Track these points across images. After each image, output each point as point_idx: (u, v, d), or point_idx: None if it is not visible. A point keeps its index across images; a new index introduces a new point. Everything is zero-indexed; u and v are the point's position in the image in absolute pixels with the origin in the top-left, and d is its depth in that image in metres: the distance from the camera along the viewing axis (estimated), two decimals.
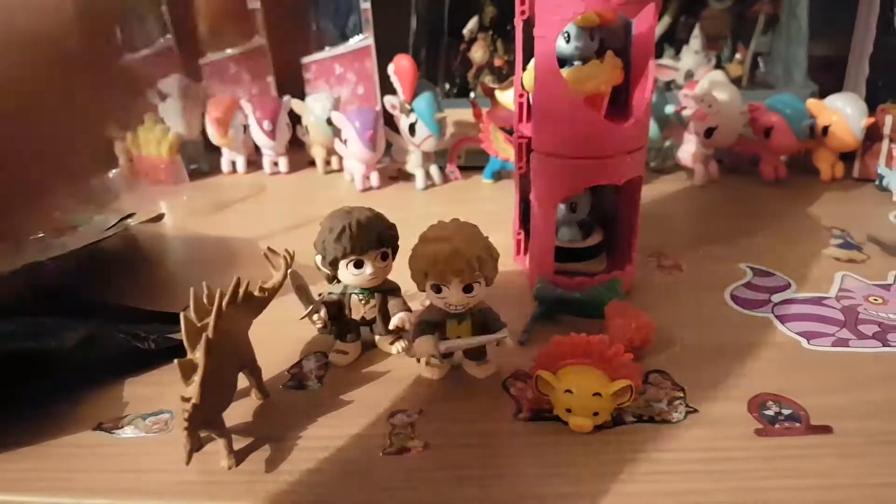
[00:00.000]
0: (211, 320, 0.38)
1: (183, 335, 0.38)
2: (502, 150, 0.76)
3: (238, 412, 0.43)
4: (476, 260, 0.41)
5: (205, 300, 0.41)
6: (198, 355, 0.37)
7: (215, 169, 0.89)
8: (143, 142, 0.83)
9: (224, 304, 0.40)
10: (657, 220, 0.68)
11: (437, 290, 0.42)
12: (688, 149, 0.79)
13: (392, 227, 0.46)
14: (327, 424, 0.42)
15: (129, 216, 0.63)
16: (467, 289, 0.42)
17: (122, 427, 0.42)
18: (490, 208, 0.75)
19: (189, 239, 0.72)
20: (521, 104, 0.52)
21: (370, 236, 0.44)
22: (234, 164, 0.89)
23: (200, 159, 0.89)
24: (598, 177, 0.49)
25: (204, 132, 0.88)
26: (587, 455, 0.39)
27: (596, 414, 0.39)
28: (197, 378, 0.36)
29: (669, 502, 0.35)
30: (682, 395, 0.43)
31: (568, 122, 0.47)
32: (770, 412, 0.41)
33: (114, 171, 0.78)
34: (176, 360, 0.37)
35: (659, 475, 0.37)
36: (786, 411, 0.41)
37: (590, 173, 0.48)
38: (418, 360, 0.46)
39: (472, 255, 0.41)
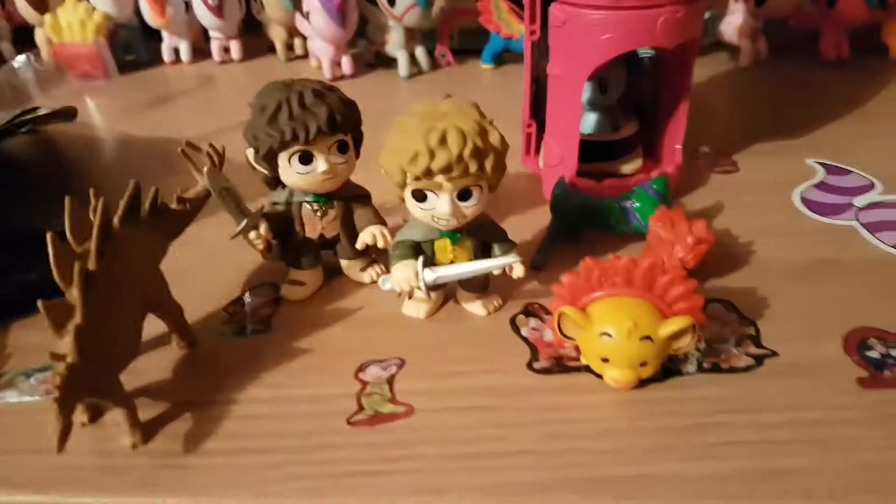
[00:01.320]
0: (92, 245, 0.27)
1: (52, 266, 0.26)
2: (506, 24, 0.63)
3: (150, 367, 0.32)
4: (477, 153, 0.29)
5: (92, 215, 0.29)
6: (75, 294, 0.26)
7: (156, 58, 0.75)
8: (64, 25, 0.69)
9: (117, 219, 0.28)
10: (700, 109, 0.56)
11: (422, 197, 0.30)
12: (733, 21, 0.66)
13: (351, 104, 0.33)
14: (273, 382, 0.31)
15: (31, 110, 0.50)
16: (464, 195, 0.30)
17: None
18: (490, 98, 0.62)
19: (120, 141, 0.59)
20: None
21: (318, 118, 0.31)
22: (176, 51, 0.75)
23: (137, 47, 0.75)
24: (646, 36, 0.36)
25: (138, 13, 0.72)
26: (631, 421, 0.29)
27: (643, 364, 0.29)
28: (72, 327, 0.25)
29: (753, 487, 0.25)
30: (753, 331, 0.33)
31: None
32: (874, 353, 0.32)
33: (19, 58, 0.64)
34: (40, 303, 0.25)
35: (731, 448, 0.27)
36: (895, 352, 0.31)
37: (635, 32, 0.35)
38: (399, 294, 0.34)
39: (471, 147, 0.28)
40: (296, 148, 0.32)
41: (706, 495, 0.25)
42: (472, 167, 0.29)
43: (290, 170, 0.33)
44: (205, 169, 0.33)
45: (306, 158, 0.32)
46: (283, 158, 0.32)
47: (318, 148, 0.32)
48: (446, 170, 0.29)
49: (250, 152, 0.33)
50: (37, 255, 0.36)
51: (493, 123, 0.30)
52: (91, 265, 0.26)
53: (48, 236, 0.27)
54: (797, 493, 0.25)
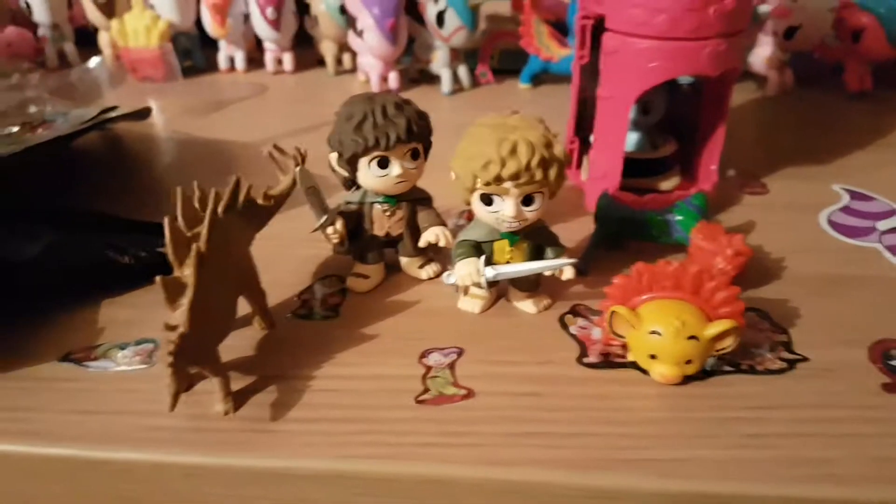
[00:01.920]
0: (204, 228, 0.30)
1: (168, 247, 0.30)
2: (545, 47, 0.66)
3: (237, 345, 0.35)
4: (542, 163, 0.32)
5: (196, 204, 0.33)
6: (187, 272, 0.29)
7: (211, 65, 0.79)
8: (129, 31, 0.73)
9: (221, 208, 0.32)
10: (730, 133, 0.59)
11: (489, 200, 0.33)
12: (762, 52, 0.68)
13: (424, 116, 0.37)
14: (346, 362, 0.34)
15: (110, 109, 0.54)
16: (527, 200, 0.33)
17: (94, 358, 0.35)
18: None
19: (181, 141, 0.62)
20: None
21: (398, 127, 0.34)
22: (232, 60, 0.78)
23: (195, 54, 0.79)
24: (691, 65, 0.39)
25: (199, 22, 0.76)
26: (674, 412, 0.31)
27: (688, 362, 0.31)
28: (186, 301, 0.29)
29: (781, 473, 0.28)
30: (786, 338, 0.35)
31: None
32: None
33: (94, 59, 0.68)
34: (158, 278, 0.28)
35: (765, 439, 0.29)
36: None
37: (681, 60, 0.39)
38: (456, 289, 0.37)
39: (538, 157, 0.32)
40: (376, 153, 0.35)
41: (740, 477, 0.28)
42: (538, 175, 0.32)
43: (368, 172, 0.36)
44: (297, 168, 0.36)
45: (384, 163, 0.36)
46: (363, 162, 0.36)
47: (395, 154, 0.35)
48: (514, 177, 0.32)
49: (333, 156, 0.36)
50: (130, 241, 0.40)
51: (557, 137, 0.34)
52: (202, 247, 0.30)
53: (166, 221, 0.30)
54: (824, 478, 0.27)
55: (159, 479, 0.30)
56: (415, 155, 0.36)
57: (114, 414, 0.31)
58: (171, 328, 0.28)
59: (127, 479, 0.30)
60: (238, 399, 0.32)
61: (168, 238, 0.30)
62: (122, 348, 0.35)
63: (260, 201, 0.36)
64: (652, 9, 0.37)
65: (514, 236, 0.35)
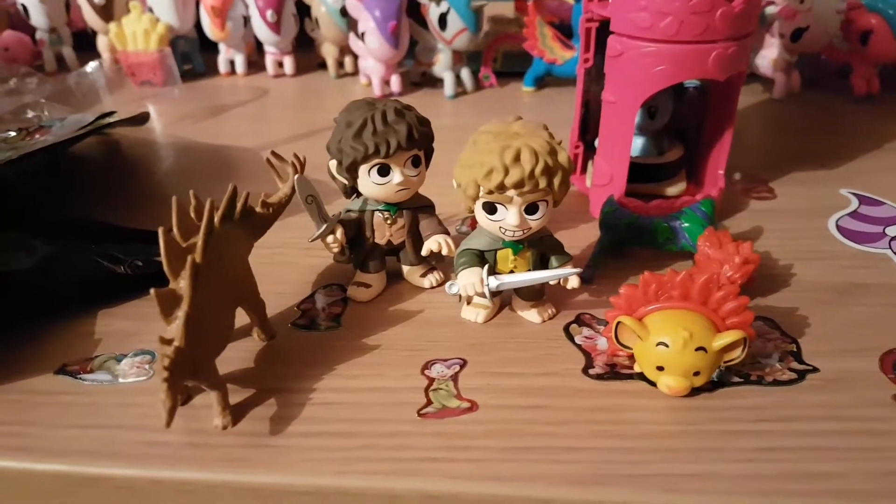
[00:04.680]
0: (199, 239, 0.30)
1: (163, 258, 0.29)
2: (549, 49, 0.65)
3: (236, 357, 0.34)
4: (546, 171, 0.31)
5: (192, 214, 0.32)
6: (182, 284, 0.28)
7: (211, 69, 0.79)
8: (128, 35, 0.72)
9: (217, 219, 0.31)
10: (736, 137, 0.58)
11: (492, 209, 0.33)
12: (768, 54, 0.67)
13: (426, 122, 0.36)
14: (347, 374, 0.34)
15: (108, 115, 0.53)
16: (531, 209, 0.33)
17: (90, 370, 0.34)
18: (533, 119, 0.65)
19: (180, 146, 0.62)
20: None
21: (399, 134, 0.34)
22: (232, 63, 0.78)
23: (195, 58, 0.78)
24: (698, 69, 0.38)
25: (198, 25, 0.76)
26: (682, 425, 0.30)
27: (696, 373, 0.30)
28: (181, 314, 0.28)
29: (790, 488, 0.27)
30: (795, 348, 0.35)
31: None
32: None
33: (92, 64, 0.67)
34: (153, 291, 0.28)
35: (773, 453, 0.29)
36: None
37: (687, 64, 0.38)
38: (459, 298, 0.37)
39: (542, 165, 0.31)
40: (376, 161, 0.34)
41: (746, 492, 0.27)
42: (542, 183, 0.31)
43: (368, 180, 0.35)
44: (296, 176, 0.35)
45: (384, 171, 0.35)
46: (363, 170, 0.35)
47: (396, 161, 0.35)
48: (518, 185, 0.31)
49: (332, 163, 0.36)
50: (126, 251, 0.39)
51: (561, 144, 0.33)
52: (198, 258, 0.29)
53: (160, 232, 0.29)
54: (830, 494, 0.27)
55: (157, 496, 0.29)
56: (416, 162, 0.36)
57: (110, 428, 0.31)
58: (167, 342, 0.28)
59: (124, 495, 0.29)
60: (237, 413, 0.31)
61: (163, 250, 0.29)
62: (119, 360, 0.35)
63: (258, 209, 0.36)
64: (658, 12, 0.37)
65: (517, 245, 0.35)
